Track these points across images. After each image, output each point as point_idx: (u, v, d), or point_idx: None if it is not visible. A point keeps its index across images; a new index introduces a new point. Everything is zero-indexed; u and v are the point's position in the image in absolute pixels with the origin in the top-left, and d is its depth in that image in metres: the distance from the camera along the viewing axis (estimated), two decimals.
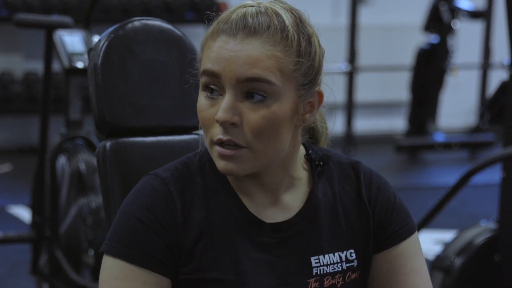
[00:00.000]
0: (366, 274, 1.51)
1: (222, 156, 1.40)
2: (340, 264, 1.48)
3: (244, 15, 1.39)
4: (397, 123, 7.75)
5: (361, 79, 7.25)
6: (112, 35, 1.65)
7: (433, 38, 6.74)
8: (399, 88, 7.66)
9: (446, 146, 6.80)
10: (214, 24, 1.42)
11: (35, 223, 3.42)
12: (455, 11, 6.70)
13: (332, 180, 1.51)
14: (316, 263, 1.46)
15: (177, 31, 1.70)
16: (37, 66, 6.56)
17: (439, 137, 6.86)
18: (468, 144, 7.03)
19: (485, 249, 3.09)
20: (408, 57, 7.34)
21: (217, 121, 1.38)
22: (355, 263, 1.49)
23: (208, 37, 1.42)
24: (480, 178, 3.86)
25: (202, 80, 1.41)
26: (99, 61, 1.64)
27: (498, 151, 3.04)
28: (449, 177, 4.97)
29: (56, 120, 4.63)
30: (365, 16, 7.34)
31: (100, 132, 1.66)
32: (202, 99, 1.42)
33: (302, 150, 1.51)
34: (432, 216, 3.07)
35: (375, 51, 7.58)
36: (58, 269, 3.40)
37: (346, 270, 1.48)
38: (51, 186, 3.42)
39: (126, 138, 1.63)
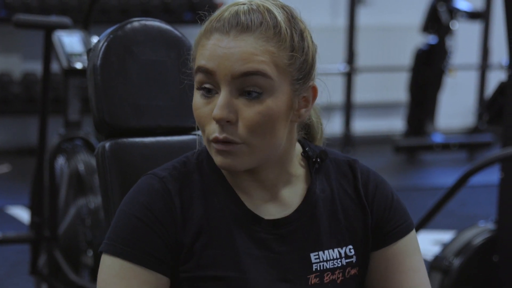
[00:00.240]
0: (365, 271, 1.52)
1: (220, 152, 1.41)
2: (339, 260, 1.48)
3: (237, 13, 1.40)
4: (396, 124, 7.76)
5: (359, 80, 7.26)
6: (111, 36, 1.66)
7: (432, 39, 6.74)
8: (398, 88, 7.66)
9: (445, 146, 6.80)
10: (207, 22, 1.43)
11: (34, 224, 3.42)
12: (453, 12, 6.70)
13: (329, 177, 1.52)
14: (315, 259, 1.47)
15: (176, 32, 1.71)
16: (36, 67, 6.56)
17: (437, 138, 6.86)
18: (467, 145, 7.04)
19: (483, 250, 3.09)
20: (406, 58, 7.34)
21: (213, 118, 1.39)
22: (354, 259, 1.50)
23: (201, 36, 1.43)
24: (478, 179, 3.86)
25: (197, 78, 1.42)
26: (98, 61, 1.64)
27: (497, 151, 3.04)
28: (448, 178, 4.98)
29: (55, 120, 4.63)
30: (363, 16, 7.35)
31: (100, 132, 1.66)
32: (198, 98, 1.43)
33: (298, 147, 1.52)
34: (431, 217, 3.07)
35: (373, 52, 7.58)
36: (57, 269, 3.40)
37: (345, 266, 1.48)
38: (50, 186, 3.42)
39: (125, 139, 1.63)
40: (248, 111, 1.39)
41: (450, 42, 6.72)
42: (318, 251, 1.47)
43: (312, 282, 1.46)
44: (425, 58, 6.75)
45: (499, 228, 3.09)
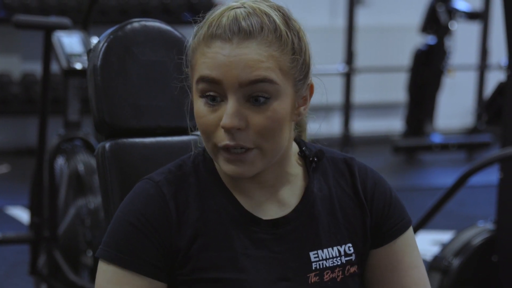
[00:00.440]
0: (364, 268, 1.52)
1: (231, 161, 1.40)
2: (339, 258, 1.49)
3: (236, 18, 1.39)
4: (395, 124, 7.76)
5: (358, 80, 7.25)
6: (111, 36, 1.66)
7: (430, 39, 6.74)
8: (397, 89, 7.66)
9: (444, 147, 6.80)
10: (205, 28, 1.41)
11: (33, 224, 3.42)
12: (452, 12, 6.70)
13: (327, 175, 1.52)
14: (315, 257, 1.47)
15: (176, 32, 1.71)
16: (35, 67, 6.56)
17: (436, 138, 6.86)
18: (466, 145, 7.04)
19: (482, 250, 3.09)
20: (405, 58, 7.34)
21: (223, 127, 1.38)
22: (353, 257, 1.50)
23: (200, 42, 1.41)
24: (477, 179, 3.86)
25: (200, 87, 1.40)
26: (99, 62, 1.64)
27: (496, 152, 3.04)
28: (447, 178, 4.98)
29: (55, 121, 4.63)
30: (362, 17, 7.34)
31: (100, 133, 1.67)
32: (201, 106, 1.41)
33: (295, 146, 1.52)
34: (430, 217, 3.07)
35: (372, 52, 7.58)
36: (57, 270, 3.40)
37: (345, 264, 1.49)
38: (49, 187, 3.42)
39: (125, 139, 1.64)
40: (257, 117, 1.39)
41: (449, 43, 6.73)
42: (317, 249, 1.47)
43: (312, 281, 1.46)
44: (424, 58, 6.75)
45: (498, 228, 3.09)
